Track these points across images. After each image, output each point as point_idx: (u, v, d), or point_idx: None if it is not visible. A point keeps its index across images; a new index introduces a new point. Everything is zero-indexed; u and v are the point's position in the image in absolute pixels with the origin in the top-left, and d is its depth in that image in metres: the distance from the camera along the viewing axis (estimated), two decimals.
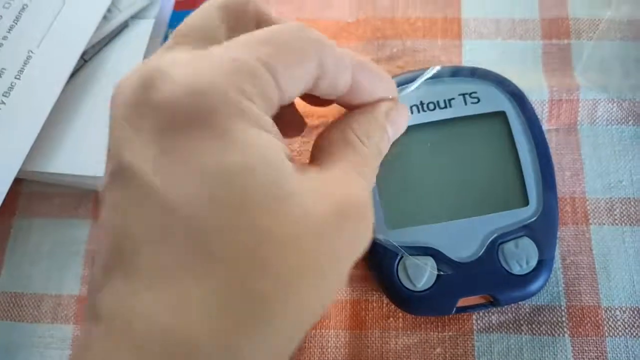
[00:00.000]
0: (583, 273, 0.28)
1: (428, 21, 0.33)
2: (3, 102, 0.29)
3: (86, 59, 0.31)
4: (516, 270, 0.26)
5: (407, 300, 0.26)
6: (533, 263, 0.26)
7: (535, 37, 0.32)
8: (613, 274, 0.28)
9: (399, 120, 0.24)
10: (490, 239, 0.26)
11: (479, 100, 0.28)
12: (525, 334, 0.27)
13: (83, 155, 0.29)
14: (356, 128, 0.22)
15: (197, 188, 0.16)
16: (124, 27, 0.31)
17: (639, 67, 0.31)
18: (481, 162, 0.27)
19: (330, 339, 0.27)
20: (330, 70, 0.20)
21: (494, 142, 0.28)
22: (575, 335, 0.27)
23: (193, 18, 0.21)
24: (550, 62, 0.31)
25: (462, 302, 0.26)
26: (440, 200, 0.27)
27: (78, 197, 0.31)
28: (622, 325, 0.27)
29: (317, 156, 0.22)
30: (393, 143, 0.24)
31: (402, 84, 0.27)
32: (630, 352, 0.26)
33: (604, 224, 0.29)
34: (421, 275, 0.26)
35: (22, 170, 0.28)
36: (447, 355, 0.27)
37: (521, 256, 0.26)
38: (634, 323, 0.27)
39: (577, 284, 0.28)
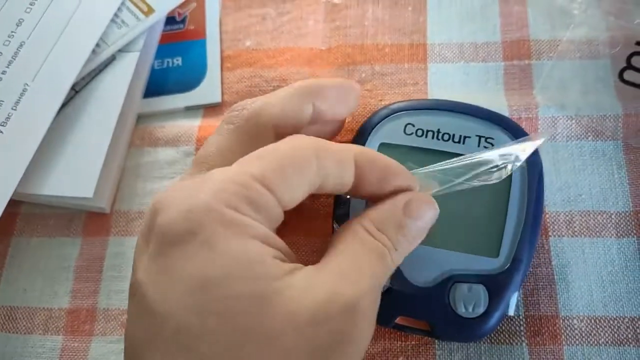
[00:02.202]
0: (542, 284, 0.29)
1: (395, 47, 0.34)
2: (1, 132, 0.32)
3: (77, 89, 0.33)
4: (460, 311, 0.26)
5: None
6: (479, 311, 0.26)
7: (497, 59, 0.33)
8: (572, 284, 0.28)
9: (423, 212, 0.24)
10: (448, 275, 0.27)
11: (493, 146, 0.28)
12: (484, 342, 0.28)
13: (73, 177, 0.32)
14: (366, 222, 0.22)
15: (183, 297, 0.19)
16: (111, 60, 0.34)
17: (597, 85, 0.32)
18: (470, 202, 0.28)
19: None
20: (332, 172, 0.22)
21: (490, 188, 0.27)
22: (533, 344, 0.28)
23: (207, 146, 0.24)
24: (511, 82, 0.33)
25: (401, 320, 0.27)
26: None
27: (69, 218, 0.33)
28: (579, 334, 0.28)
29: (326, 252, 0.22)
30: (400, 160, 0.25)
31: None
32: (587, 359, 0.27)
33: (564, 235, 0.29)
34: None
35: (17, 193, 0.31)
36: None
37: (469, 301, 0.26)
38: (591, 331, 0.28)
39: (535, 294, 0.28)
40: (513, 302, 0.26)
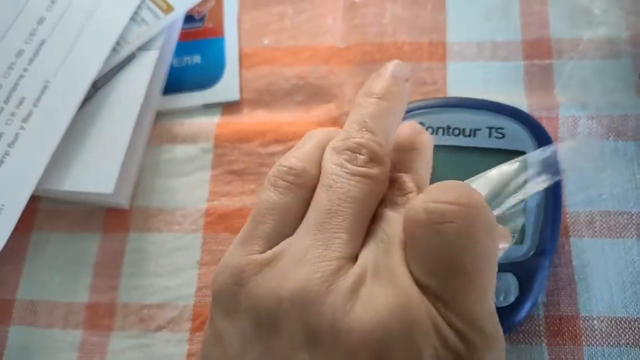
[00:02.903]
0: (562, 284, 0.28)
1: (414, 45, 0.34)
2: (23, 128, 0.32)
3: (97, 87, 0.34)
4: None
5: None
6: (510, 299, 0.26)
7: (517, 58, 0.33)
8: (592, 284, 0.28)
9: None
10: None
11: (503, 136, 0.29)
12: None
13: (93, 174, 0.32)
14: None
15: None
16: (131, 57, 0.34)
17: (618, 84, 0.32)
18: (490, 192, 0.28)
19: None
20: None
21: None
22: (553, 344, 0.27)
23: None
24: (532, 81, 0.33)
25: None
26: None
27: (89, 213, 0.33)
28: (599, 335, 0.27)
29: None
30: None
31: None
32: None
33: (584, 236, 0.29)
34: None
35: (38, 188, 0.31)
36: None
37: (500, 290, 0.26)
38: (611, 332, 0.27)
39: (556, 295, 0.28)
40: None
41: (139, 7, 0.35)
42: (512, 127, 0.29)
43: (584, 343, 0.27)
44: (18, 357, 0.31)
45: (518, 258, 0.27)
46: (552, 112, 0.31)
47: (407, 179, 0.22)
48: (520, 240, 0.27)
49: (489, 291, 0.19)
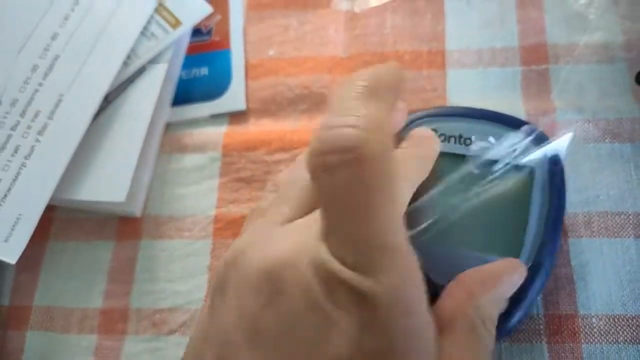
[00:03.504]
0: (561, 283, 0.29)
1: (414, 54, 0.35)
2: (38, 140, 0.33)
3: (109, 99, 0.35)
4: None
5: None
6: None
7: (515, 64, 0.34)
8: (591, 283, 0.29)
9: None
10: None
11: (514, 151, 0.29)
12: (504, 341, 0.29)
13: (106, 183, 0.33)
14: (479, 309, 0.23)
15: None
16: (141, 71, 0.35)
17: (614, 88, 0.33)
18: (493, 204, 0.28)
19: None
20: None
21: (512, 190, 0.28)
22: (552, 343, 0.28)
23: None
24: (529, 86, 0.33)
25: None
26: (442, 224, 0.29)
27: (102, 222, 0.34)
28: (598, 332, 0.28)
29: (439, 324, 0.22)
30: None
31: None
32: (605, 358, 0.27)
33: (582, 236, 0.30)
34: None
35: (54, 198, 0.32)
36: None
37: None
38: (610, 330, 0.28)
39: (555, 294, 0.29)
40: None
41: (149, 22, 0.36)
42: (524, 142, 0.29)
43: (583, 341, 0.28)
44: None
45: None
46: (549, 116, 0.32)
47: None
48: (516, 256, 0.27)
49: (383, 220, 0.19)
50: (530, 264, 0.27)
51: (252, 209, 0.28)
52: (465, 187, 0.29)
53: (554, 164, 0.28)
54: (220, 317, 0.21)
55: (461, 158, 0.29)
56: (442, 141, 0.30)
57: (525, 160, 0.28)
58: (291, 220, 0.23)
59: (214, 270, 0.32)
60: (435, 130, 0.30)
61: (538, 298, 0.29)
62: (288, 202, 0.24)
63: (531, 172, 0.29)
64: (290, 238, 0.21)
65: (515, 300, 0.26)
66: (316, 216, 0.21)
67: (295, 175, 0.25)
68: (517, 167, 0.29)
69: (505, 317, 0.26)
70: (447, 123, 0.30)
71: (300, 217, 0.23)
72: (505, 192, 0.28)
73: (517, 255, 0.27)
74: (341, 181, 0.19)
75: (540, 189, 0.28)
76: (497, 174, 0.28)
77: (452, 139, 0.30)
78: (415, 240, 0.27)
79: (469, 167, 0.29)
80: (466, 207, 0.28)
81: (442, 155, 0.29)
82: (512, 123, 0.30)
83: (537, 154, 0.29)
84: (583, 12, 0.35)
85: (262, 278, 0.20)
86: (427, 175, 0.27)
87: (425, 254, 0.27)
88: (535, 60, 0.34)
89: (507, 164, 0.28)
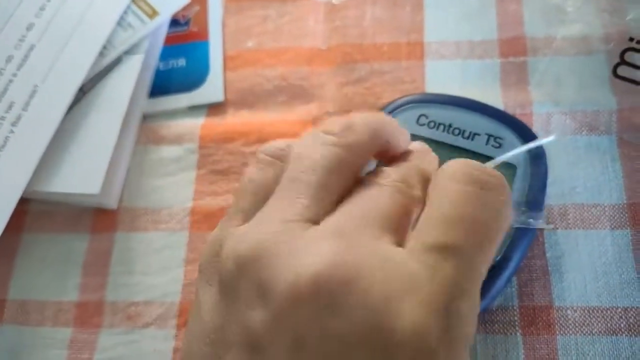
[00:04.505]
0: (536, 275, 0.29)
1: (393, 45, 0.35)
2: (12, 131, 0.33)
3: (84, 90, 0.34)
4: None
5: None
6: None
7: (493, 56, 0.34)
8: (566, 275, 0.29)
9: None
10: None
11: (500, 146, 0.29)
12: (479, 332, 0.28)
13: (81, 175, 0.33)
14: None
15: None
16: (117, 61, 0.35)
17: (592, 80, 0.33)
18: None
19: None
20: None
21: None
22: (527, 334, 0.28)
23: None
24: (507, 78, 0.33)
25: None
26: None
27: (77, 214, 0.34)
28: (573, 324, 0.28)
29: None
30: None
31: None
32: (580, 349, 0.28)
33: (558, 228, 0.30)
34: None
35: (27, 190, 0.32)
36: None
37: None
38: (585, 321, 0.28)
39: (529, 285, 0.29)
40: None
41: (125, 12, 0.36)
42: (511, 140, 0.29)
43: (557, 332, 0.28)
44: (10, 355, 0.32)
45: None
46: (526, 108, 0.32)
47: (389, 169, 0.22)
48: None
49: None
50: (499, 257, 0.27)
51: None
52: None
53: (537, 165, 0.29)
54: (239, 316, 0.19)
55: (447, 147, 0.29)
56: (431, 128, 0.30)
57: (508, 155, 0.28)
58: (317, 217, 0.20)
59: (196, 261, 0.32)
60: (425, 116, 0.30)
61: (512, 290, 0.29)
62: (307, 191, 0.20)
63: (512, 168, 0.29)
64: (347, 251, 0.18)
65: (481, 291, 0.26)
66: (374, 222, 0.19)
67: (312, 157, 0.21)
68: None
69: None
70: (437, 110, 0.30)
71: (327, 212, 0.20)
72: None
73: None
74: None
75: (519, 187, 0.28)
76: None
77: (442, 127, 0.30)
78: None
79: None
80: None
81: (430, 142, 0.29)
82: (500, 117, 0.30)
83: (520, 152, 0.28)
84: (561, 5, 0.35)
85: (317, 293, 0.18)
86: None
87: None
88: (514, 53, 0.34)
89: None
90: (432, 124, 0.30)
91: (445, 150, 0.29)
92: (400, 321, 0.17)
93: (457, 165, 0.21)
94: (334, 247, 0.18)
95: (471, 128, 0.30)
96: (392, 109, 0.30)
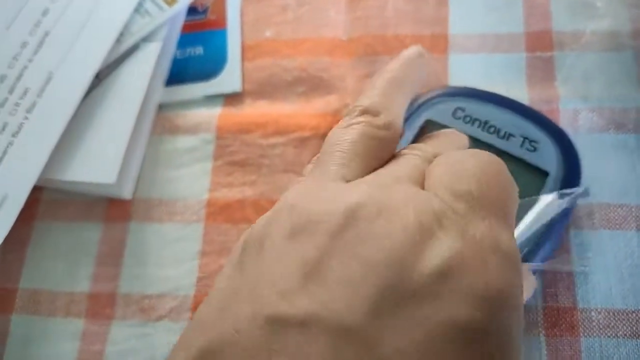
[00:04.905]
0: (560, 276, 0.29)
1: (416, 38, 0.34)
2: (27, 118, 0.32)
3: (100, 77, 0.34)
4: None
5: None
6: None
7: (520, 50, 0.33)
8: (590, 276, 0.28)
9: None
10: None
11: (534, 150, 0.29)
12: None
13: (96, 164, 0.32)
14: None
15: None
16: (134, 49, 0.34)
17: (620, 77, 0.32)
18: None
19: None
20: None
21: (522, 187, 0.27)
22: (550, 335, 0.27)
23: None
24: (534, 73, 0.33)
25: None
26: None
27: (91, 203, 0.34)
28: (597, 326, 0.27)
29: None
30: None
31: None
32: (604, 352, 0.27)
33: (583, 228, 0.29)
34: None
35: (41, 178, 0.31)
36: None
37: None
38: (609, 324, 0.27)
39: (553, 286, 0.28)
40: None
41: None
42: (546, 144, 0.29)
43: (581, 334, 0.27)
44: (20, 345, 0.31)
45: None
46: (552, 104, 0.31)
47: (420, 143, 0.22)
48: None
49: None
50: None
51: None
52: None
53: (570, 171, 0.28)
54: (260, 268, 0.18)
55: (480, 144, 0.29)
56: (466, 123, 0.29)
57: (543, 161, 0.28)
58: (350, 179, 0.20)
59: (212, 254, 0.32)
60: (462, 110, 0.29)
61: (536, 290, 0.28)
62: (341, 160, 0.21)
63: (544, 174, 0.28)
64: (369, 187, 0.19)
65: None
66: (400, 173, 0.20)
67: (345, 133, 0.22)
68: (533, 167, 0.28)
69: None
70: (475, 105, 0.29)
71: (360, 176, 0.20)
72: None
73: None
74: None
75: (549, 193, 0.28)
76: None
77: (477, 123, 0.29)
78: None
79: None
80: None
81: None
82: (538, 120, 0.29)
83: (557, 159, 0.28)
84: (590, 0, 0.34)
85: (341, 218, 0.17)
86: None
87: None
88: (540, 47, 0.33)
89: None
90: (467, 119, 0.29)
91: (477, 147, 0.28)
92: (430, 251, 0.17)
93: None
94: (365, 188, 0.19)
95: (507, 128, 0.29)
96: (430, 97, 0.30)
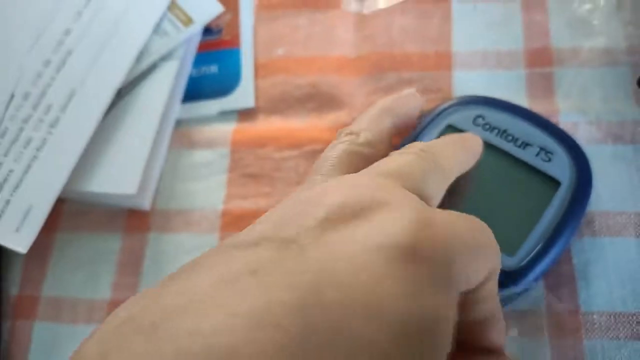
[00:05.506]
0: (563, 281, 0.30)
1: (422, 55, 0.36)
2: (50, 133, 0.34)
3: (122, 94, 0.35)
4: None
5: None
6: None
7: (520, 67, 0.35)
8: (592, 281, 0.30)
9: None
10: None
11: (549, 160, 0.30)
12: (507, 336, 0.29)
13: (118, 176, 0.34)
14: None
15: None
16: (153, 67, 0.36)
17: (617, 91, 0.33)
18: (511, 201, 0.29)
19: None
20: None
21: (533, 195, 0.29)
22: (554, 338, 0.29)
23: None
24: (534, 89, 0.34)
25: None
26: (455, 204, 0.29)
27: (111, 214, 0.35)
28: (599, 329, 0.29)
29: None
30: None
31: None
32: (606, 353, 0.28)
33: (584, 235, 0.31)
34: None
35: (65, 190, 0.33)
36: None
37: None
38: (611, 326, 0.29)
39: (557, 290, 0.30)
40: None
41: (161, 19, 0.37)
42: (561, 156, 0.30)
43: (584, 336, 0.28)
44: (42, 352, 0.32)
45: (502, 266, 0.27)
46: (553, 118, 0.33)
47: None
48: (513, 253, 0.28)
49: None
50: (521, 265, 0.27)
51: None
52: (489, 175, 0.30)
53: (582, 183, 0.29)
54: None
55: (498, 151, 0.30)
56: (485, 130, 0.30)
57: (556, 171, 0.29)
58: None
59: None
60: (482, 117, 0.31)
61: (540, 294, 0.29)
62: (326, 170, 0.25)
63: (556, 184, 0.29)
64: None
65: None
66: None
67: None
68: (546, 176, 0.29)
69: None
70: (495, 114, 0.31)
71: None
72: (529, 187, 0.29)
73: (514, 252, 0.28)
74: None
75: (561, 197, 0.29)
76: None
77: (496, 131, 0.30)
78: None
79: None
80: (483, 193, 0.29)
81: (483, 143, 0.29)
82: (555, 132, 0.30)
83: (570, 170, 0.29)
84: (587, 18, 0.35)
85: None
86: (469, 167, 0.27)
87: None
88: (540, 63, 0.35)
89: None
90: (487, 126, 0.30)
91: (495, 154, 0.30)
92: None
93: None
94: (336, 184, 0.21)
95: (525, 137, 0.30)
96: (451, 104, 0.31)
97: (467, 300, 0.20)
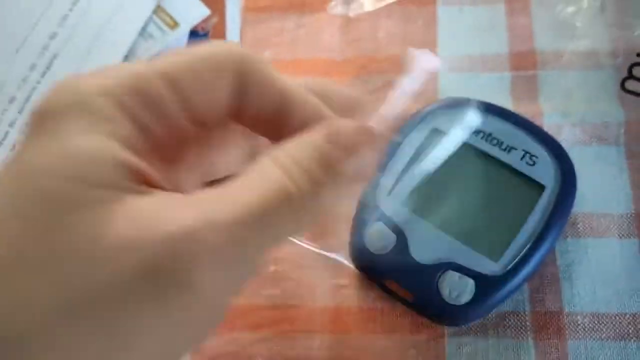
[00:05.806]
0: (547, 282, 0.30)
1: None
2: None
3: None
4: (444, 294, 0.28)
5: (367, 259, 0.29)
6: (461, 300, 0.27)
7: (504, 70, 0.35)
8: (576, 282, 0.30)
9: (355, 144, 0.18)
10: (446, 261, 0.28)
11: (533, 164, 0.30)
12: (492, 337, 0.29)
13: None
14: (278, 152, 0.17)
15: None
16: None
17: (601, 93, 0.34)
18: (496, 206, 0.29)
19: (315, 342, 0.30)
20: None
21: (518, 199, 0.29)
22: (539, 339, 0.29)
23: None
24: (518, 91, 0.34)
25: (390, 284, 0.29)
26: (441, 208, 0.30)
27: None
28: (582, 329, 0.29)
29: None
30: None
31: None
32: (590, 354, 0.28)
33: (568, 236, 0.31)
34: (379, 241, 0.29)
35: None
36: (420, 357, 0.29)
37: (455, 288, 0.28)
38: (594, 327, 0.29)
39: (541, 291, 0.30)
40: None
41: (147, 23, 0.37)
42: (545, 160, 0.30)
43: (568, 337, 0.29)
44: None
45: (486, 273, 0.28)
46: (536, 120, 0.33)
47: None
48: (497, 258, 0.28)
49: None
50: (506, 271, 0.28)
51: None
52: (475, 179, 0.30)
53: (566, 186, 0.29)
54: None
55: (482, 154, 0.30)
56: (470, 133, 0.30)
57: (541, 175, 0.29)
58: None
59: None
60: (466, 120, 0.30)
61: (524, 296, 0.30)
62: None
63: (540, 188, 0.29)
64: None
65: (480, 296, 0.27)
66: None
67: None
68: (531, 181, 0.29)
69: (465, 307, 0.27)
70: (477, 116, 0.30)
71: None
72: (515, 194, 0.29)
73: (498, 257, 0.28)
74: None
75: (545, 204, 0.29)
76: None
77: (481, 134, 0.30)
78: (412, 213, 0.29)
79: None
80: (467, 198, 0.30)
81: (466, 147, 0.30)
82: (540, 136, 0.30)
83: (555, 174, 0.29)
84: (570, 20, 0.36)
85: None
86: None
87: (415, 229, 0.29)
88: (524, 66, 0.35)
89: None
90: (472, 129, 0.30)
91: (479, 157, 0.30)
92: None
93: None
94: None
95: (509, 141, 0.30)
96: (437, 108, 0.31)
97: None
